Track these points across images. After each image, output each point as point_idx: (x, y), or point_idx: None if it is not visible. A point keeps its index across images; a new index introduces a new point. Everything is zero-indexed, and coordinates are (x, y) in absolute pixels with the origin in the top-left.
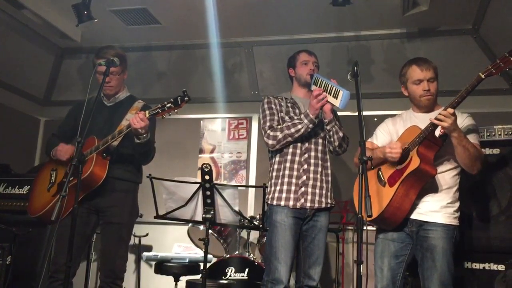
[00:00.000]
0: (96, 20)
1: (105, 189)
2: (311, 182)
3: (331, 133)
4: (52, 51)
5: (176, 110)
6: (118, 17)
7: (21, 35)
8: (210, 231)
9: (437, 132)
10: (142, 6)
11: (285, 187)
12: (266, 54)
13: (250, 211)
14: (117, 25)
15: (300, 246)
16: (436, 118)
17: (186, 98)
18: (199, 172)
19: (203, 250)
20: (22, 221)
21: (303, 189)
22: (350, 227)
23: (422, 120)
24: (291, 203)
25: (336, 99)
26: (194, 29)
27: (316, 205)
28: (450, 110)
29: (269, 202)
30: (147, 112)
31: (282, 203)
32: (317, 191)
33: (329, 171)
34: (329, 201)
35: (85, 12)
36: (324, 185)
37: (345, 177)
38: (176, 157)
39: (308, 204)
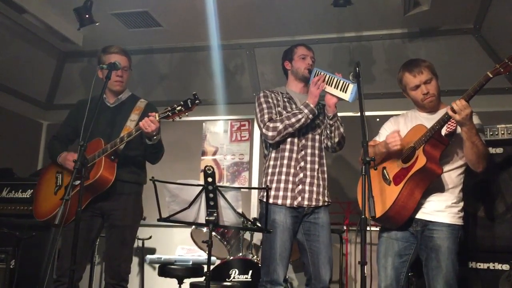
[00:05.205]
0: (97, 24)
1: (110, 192)
2: (308, 180)
3: (333, 128)
4: (54, 55)
5: (187, 113)
6: (120, 20)
7: (23, 39)
8: (213, 233)
9: (443, 131)
10: (143, 9)
11: (282, 185)
12: (267, 56)
13: (253, 213)
14: (119, 28)
15: (306, 246)
16: (451, 109)
17: (197, 101)
18: (201, 174)
19: (207, 252)
20: (26, 225)
21: (300, 187)
22: (353, 228)
23: (427, 119)
24: (288, 201)
25: (345, 92)
26: (195, 32)
27: (314, 203)
28: (464, 103)
29: (264, 200)
30: (157, 114)
31: (279, 201)
32: (314, 188)
33: (325, 168)
34: (326, 199)
35: (87, 16)
36: (321, 182)
37: (348, 178)
38: (178, 160)
39: (306, 203)
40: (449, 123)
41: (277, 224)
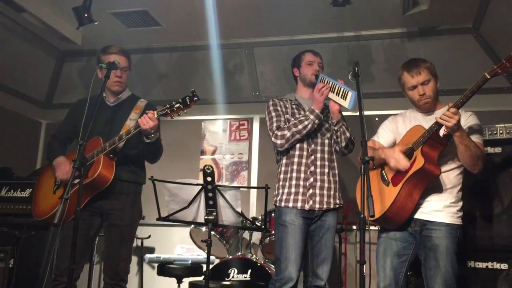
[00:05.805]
0: (96, 23)
1: (109, 191)
2: (318, 184)
3: (338, 133)
4: (53, 54)
5: (185, 111)
6: (119, 19)
7: (22, 38)
8: (212, 232)
9: (441, 132)
10: (143, 8)
11: (293, 190)
12: (266, 55)
13: (252, 212)
14: (118, 28)
15: (308, 245)
16: (440, 118)
17: (195, 98)
18: (201, 174)
19: (206, 251)
20: (25, 224)
21: (311, 191)
22: (352, 227)
23: (425, 120)
24: (299, 204)
25: (345, 100)
26: (194, 31)
27: (325, 206)
28: (453, 110)
29: (277, 204)
30: (155, 112)
31: (291, 204)
32: (325, 192)
33: (336, 171)
34: (337, 201)
35: (86, 15)
36: (332, 185)
37: (347, 177)
38: (177, 159)
39: (317, 206)
40: None
41: (288, 224)
